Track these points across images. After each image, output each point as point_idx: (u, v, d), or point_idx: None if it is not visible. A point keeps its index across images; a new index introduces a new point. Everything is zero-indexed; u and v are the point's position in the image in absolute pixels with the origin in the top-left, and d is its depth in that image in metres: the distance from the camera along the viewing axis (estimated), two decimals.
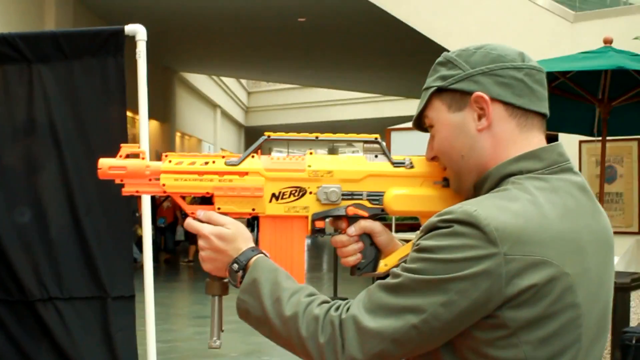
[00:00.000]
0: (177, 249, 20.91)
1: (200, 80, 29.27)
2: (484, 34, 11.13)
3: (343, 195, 2.01)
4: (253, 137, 41.47)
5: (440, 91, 1.86)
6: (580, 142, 10.00)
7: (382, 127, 16.11)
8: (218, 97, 33.06)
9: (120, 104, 4.56)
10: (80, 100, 4.60)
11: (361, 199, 2.02)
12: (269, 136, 2.06)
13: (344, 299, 1.79)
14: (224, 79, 33.13)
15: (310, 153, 2.05)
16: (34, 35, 4.81)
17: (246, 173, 2.02)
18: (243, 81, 37.81)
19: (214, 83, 32.00)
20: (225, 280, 1.99)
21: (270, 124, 36.69)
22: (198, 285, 16.15)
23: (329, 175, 2.01)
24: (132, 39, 4.52)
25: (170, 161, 2.05)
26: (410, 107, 29.36)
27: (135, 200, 5.99)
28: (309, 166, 2.02)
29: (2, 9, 13.04)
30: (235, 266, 1.89)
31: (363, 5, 13.18)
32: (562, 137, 8.24)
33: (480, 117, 1.81)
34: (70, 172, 4.51)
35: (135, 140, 4.20)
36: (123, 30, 4.49)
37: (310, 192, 2.01)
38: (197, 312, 12.37)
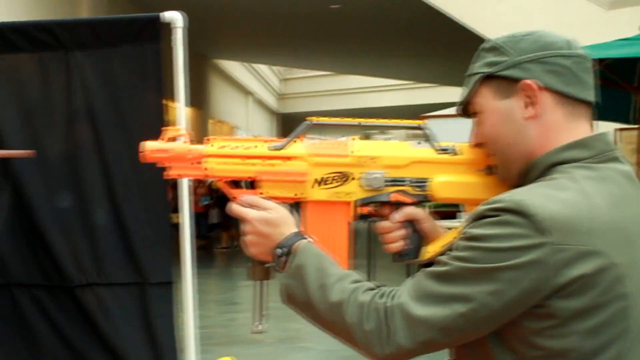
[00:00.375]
0: (210, 235, 20.88)
1: (233, 67, 29.29)
2: (518, 21, 11.05)
3: (387, 181, 2.00)
4: (287, 124, 41.51)
5: (487, 78, 1.84)
6: (617, 129, 9.92)
7: (415, 115, 16.06)
8: (251, 84, 33.09)
9: (158, 91, 4.57)
10: (118, 88, 4.61)
11: (405, 185, 2.01)
12: (312, 121, 2.05)
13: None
14: (258, 65, 33.13)
15: (353, 139, 2.04)
16: (72, 22, 4.83)
17: (290, 158, 2.01)
18: (277, 68, 37.78)
19: (247, 70, 32.02)
20: (268, 265, 1.99)
21: (304, 111, 36.64)
22: (232, 271, 16.20)
23: (373, 161, 2.00)
24: (168, 26, 4.52)
25: (213, 145, 2.05)
26: (443, 94, 29.24)
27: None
28: (353, 152, 2.01)
29: None
30: (280, 251, 1.89)
31: None
32: (599, 125, 8.17)
33: (527, 105, 1.80)
34: (109, 158, 4.54)
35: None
36: (159, 17, 4.49)
37: (354, 178, 2.00)
38: (232, 298, 12.40)
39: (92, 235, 4.56)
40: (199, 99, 23.73)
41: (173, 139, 2.07)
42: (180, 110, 4.44)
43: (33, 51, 4.59)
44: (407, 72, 27.93)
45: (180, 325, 4.60)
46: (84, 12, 14.75)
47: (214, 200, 19.54)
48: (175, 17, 4.48)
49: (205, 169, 2.03)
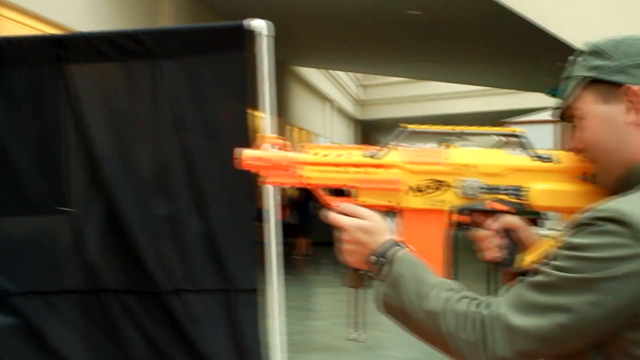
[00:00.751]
0: (287, 241, 20.80)
1: (312, 74, 29.39)
2: (598, 24, 10.89)
3: (483, 189, 1.99)
4: (366, 131, 41.51)
5: (589, 82, 1.82)
6: None
7: (494, 121, 15.94)
8: (330, 91, 33.15)
9: (242, 99, 4.60)
10: (204, 96, 4.66)
11: (500, 193, 1.99)
12: (406, 129, 2.05)
13: None
14: (336, 72, 33.19)
15: (448, 146, 2.04)
16: (159, 31, 4.90)
17: (386, 165, 2.01)
18: (355, 74, 37.81)
19: (326, 77, 32.11)
20: (363, 273, 1.99)
21: (384, 117, 36.63)
22: (308, 278, 16.22)
23: (470, 169, 1.99)
24: (251, 34, 4.54)
25: (309, 152, 2.06)
26: (521, 100, 28.98)
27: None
28: (450, 159, 2.00)
29: (116, 5, 13.32)
30: (379, 259, 1.89)
31: None
32: None
33: (629, 110, 1.77)
34: (196, 166, 4.58)
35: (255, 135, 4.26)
36: (245, 25, 4.51)
37: (450, 186, 2.00)
38: (309, 305, 12.42)
39: (180, 242, 4.62)
40: (278, 106, 23.75)
41: (268, 147, 2.09)
42: (267, 119, 4.46)
43: (121, 60, 4.66)
44: (486, 78, 27.73)
45: (266, 332, 4.63)
46: (166, 21, 14.93)
47: (290, 204, 19.51)
48: (261, 26, 4.50)
49: (302, 176, 2.04)
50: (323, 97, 32.76)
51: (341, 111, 37.19)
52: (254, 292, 4.59)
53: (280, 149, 2.07)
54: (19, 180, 4.73)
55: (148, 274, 4.60)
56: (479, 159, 2.00)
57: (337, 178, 2.04)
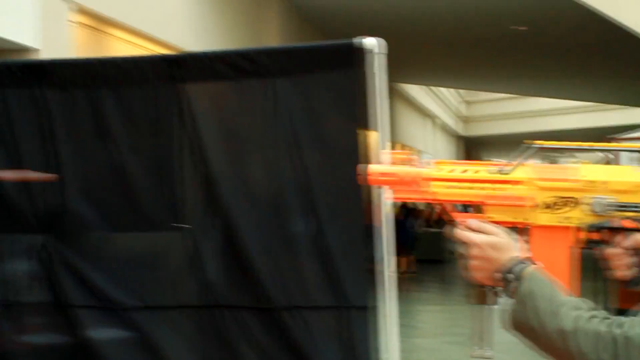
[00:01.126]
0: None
1: (415, 91, 29.35)
2: None
3: (612, 206, 1.96)
4: (470, 147, 41.20)
5: None
6: None
7: (601, 137, 15.66)
8: (433, 107, 33.05)
9: (354, 117, 4.62)
10: (316, 114, 4.70)
11: (630, 211, 1.96)
12: (538, 145, 2.04)
13: None
14: (439, 88, 33.07)
15: (581, 163, 2.02)
16: (272, 50, 4.97)
17: (518, 182, 2.00)
18: (458, 91, 37.60)
19: (429, 93, 32.02)
20: (490, 290, 1.99)
21: (487, 134, 36.33)
22: (410, 296, 16.14)
23: (600, 185, 1.97)
24: (361, 52, 4.55)
25: (438, 169, 2.06)
26: (630, 116, 28.40)
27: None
28: (583, 176, 1.98)
29: (223, 25, 13.53)
30: (507, 276, 1.89)
31: (583, 11, 12.86)
32: None
33: None
34: (310, 183, 4.61)
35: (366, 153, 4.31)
36: (355, 43, 4.53)
37: (579, 202, 1.98)
38: (413, 323, 12.36)
39: (294, 259, 4.65)
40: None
41: (394, 163, 2.10)
42: (380, 136, 4.47)
43: (235, 78, 4.73)
44: (593, 93, 27.28)
45: (377, 350, 4.62)
46: (271, 40, 15.12)
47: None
48: (373, 43, 4.52)
49: (432, 192, 2.05)
50: (426, 114, 32.67)
51: (444, 128, 37.01)
52: (366, 310, 4.59)
53: (406, 164, 2.08)
54: (136, 197, 4.83)
55: (263, 290, 4.64)
56: (609, 176, 1.98)
57: (463, 194, 2.04)
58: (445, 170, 2.06)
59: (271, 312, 4.66)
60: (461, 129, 40.56)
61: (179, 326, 4.81)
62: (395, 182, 2.08)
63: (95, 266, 4.91)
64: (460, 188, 2.04)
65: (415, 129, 30.85)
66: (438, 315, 12.66)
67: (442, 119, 35.68)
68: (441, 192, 2.04)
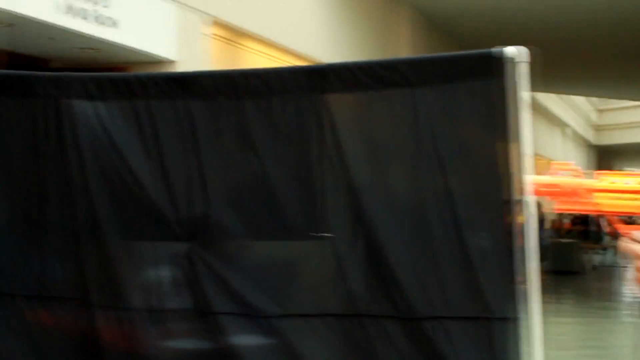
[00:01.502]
0: None
1: (546, 99, 28.89)
2: None
3: None
4: (603, 157, 40.32)
5: None
6: None
7: None
8: (564, 115, 32.47)
9: (493, 127, 4.59)
10: (458, 123, 4.69)
11: None
12: None
13: None
14: (572, 97, 32.47)
15: None
16: (414, 60, 4.97)
17: None
18: (591, 99, 36.85)
19: (558, 101, 31.47)
20: None
21: (622, 142, 35.50)
22: (545, 307, 15.80)
23: None
24: (500, 61, 4.51)
25: (602, 180, 2.03)
26: None
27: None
28: None
29: (355, 36, 13.59)
30: None
31: None
32: None
33: None
34: (453, 192, 4.60)
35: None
36: (495, 52, 4.51)
37: None
38: (549, 334, 12.12)
39: (436, 268, 4.64)
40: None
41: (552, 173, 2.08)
42: (524, 147, 4.43)
43: (379, 89, 4.75)
44: None
45: None
46: (400, 49, 15.13)
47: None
48: (515, 52, 4.49)
49: (595, 204, 2.02)
50: (555, 122, 32.11)
51: (575, 136, 36.31)
52: (509, 321, 4.54)
53: (571, 175, 2.06)
54: (278, 206, 4.90)
55: (404, 300, 4.64)
56: None
57: (627, 205, 2.01)
58: (607, 181, 2.03)
59: (412, 322, 4.65)
60: (592, 138, 39.72)
61: (320, 334, 4.85)
62: (558, 193, 2.06)
63: (237, 274, 5.00)
64: (624, 199, 2.00)
65: (546, 138, 30.34)
66: (573, 328, 12.39)
67: (573, 127, 35.02)
68: (605, 203, 2.02)
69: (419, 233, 4.69)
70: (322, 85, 4.80)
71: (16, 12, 8.50)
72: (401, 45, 15.28)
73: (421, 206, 4.71)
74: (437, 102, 4.68)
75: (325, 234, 4.83)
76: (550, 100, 30.10)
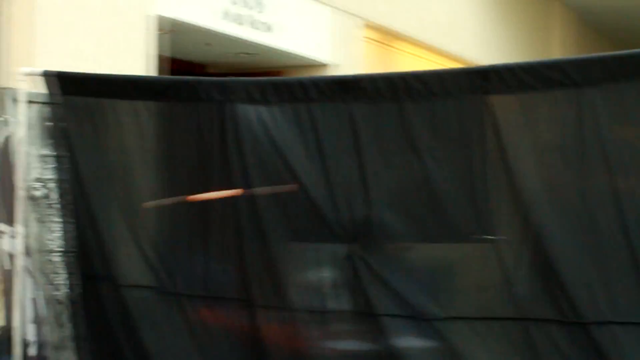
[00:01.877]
0: None
1: None
2: None
3: None
4: None
5: None
6: None
7: None
8: None
9: None
10: (629, 124, 4.57)
11: None
12: None
13: None
14: None
15: None
16: (580, 60, 4.86)
17: None
18: None
19: None
20: None
21: None
22: None
23: None
24: None
25: None
26: None
27: None
28: None
29: (508, 35, 13.44)
30: None
31: None
32: None
33: None
34: (623, 195, 4.48)
35: None
36: None
37: None
38: None
39: (606, 271, 4.53)
40: None
41: None
42: None
43: (542, 90, 4.68)
44: None
45: None
46: (553, 48, 14.88)
47: None
48: None
49: None
50: None
51: None
52: None
53: None
54: (441, 208, 4.88)
55: (571, 303, 4.54)
56: None
57: None
58: None
59: (578, 326, 4.56)
60: None
61: (485, 338, 4.81)
62: None
63: (399, 276, 5.01)
64: None
65: None
66: None
67: None
68: None
69: (586, 236, 4.59)
70: (485, 86, 4.76)
71: (176, 19, 8.73)
72: (552, 43, 15.02)
73: (588, 209, 4.61)
74: (603, 102, 4.57)
75: (490, 237, 4.79)
76: None
